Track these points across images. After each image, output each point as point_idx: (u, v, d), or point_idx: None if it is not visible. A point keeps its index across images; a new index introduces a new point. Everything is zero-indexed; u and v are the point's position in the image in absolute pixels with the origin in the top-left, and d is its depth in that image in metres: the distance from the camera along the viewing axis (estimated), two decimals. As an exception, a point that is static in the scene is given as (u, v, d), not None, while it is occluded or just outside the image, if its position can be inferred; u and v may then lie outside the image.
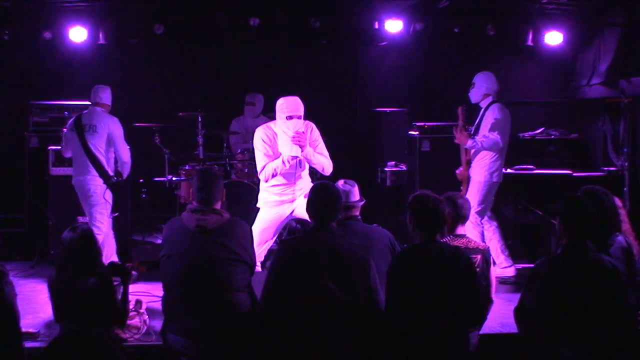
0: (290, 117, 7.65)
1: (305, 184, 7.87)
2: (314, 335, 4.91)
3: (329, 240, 5.26)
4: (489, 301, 6.08)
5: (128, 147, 9.06)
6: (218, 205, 5.76)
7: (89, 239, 5.60)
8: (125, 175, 9.11)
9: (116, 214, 9.09)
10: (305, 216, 6.09)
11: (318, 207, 5.44)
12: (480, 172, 8.92)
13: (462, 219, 6.23)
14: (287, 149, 7.60)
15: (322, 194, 5.49)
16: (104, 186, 8.80)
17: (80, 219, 9.12)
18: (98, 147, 8.84)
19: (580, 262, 5.07)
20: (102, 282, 5.52)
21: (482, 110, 9.06)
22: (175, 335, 5.57)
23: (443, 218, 5.48)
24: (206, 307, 5.49)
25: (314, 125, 7.95)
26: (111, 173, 8.90)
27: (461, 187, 8.91)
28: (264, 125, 7.96)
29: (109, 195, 8.85)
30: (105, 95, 9.11)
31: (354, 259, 5.21)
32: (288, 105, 7.72)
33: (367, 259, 5.26)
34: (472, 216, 8.25)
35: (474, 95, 9.13)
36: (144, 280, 8.84)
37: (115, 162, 9.08)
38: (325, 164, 7.87)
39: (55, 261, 5.72)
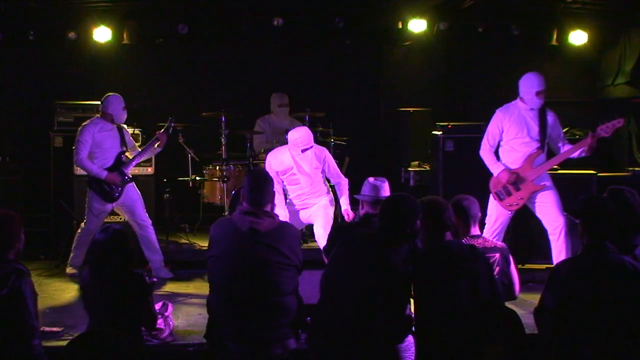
0: (304, 150, 8.19)
1: (320, 196, 8.45)
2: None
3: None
4: (513, 298, 6.23)
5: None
6: (269, 208, 5.69)
7: (120, 240, 5.56)
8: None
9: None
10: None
11: (388, 219, 5.43)
12: (548, 175, 8.59)
13: (473, 219, 6.23)
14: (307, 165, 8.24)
15: (395, 207, 5.46)
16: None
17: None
18: None
19: (600, 264, 5.02)
20: (135, 283, 5.49)
21: (536, 112, 8.41)
22: (221, 338, 5.51)
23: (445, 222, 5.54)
24: (255, 310, 5.44)
25: (327, 151, 8.53)
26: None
27: (508, 194, 8.47)
28: (275, 152, 8.54)
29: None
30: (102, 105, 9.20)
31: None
32: (302, 139, 8.21)
33: None
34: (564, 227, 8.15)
35: None
36: (167, 280, 8.89)
37: None
38: (344, 191, 8.47)
39: (87, 262, 5.68)
